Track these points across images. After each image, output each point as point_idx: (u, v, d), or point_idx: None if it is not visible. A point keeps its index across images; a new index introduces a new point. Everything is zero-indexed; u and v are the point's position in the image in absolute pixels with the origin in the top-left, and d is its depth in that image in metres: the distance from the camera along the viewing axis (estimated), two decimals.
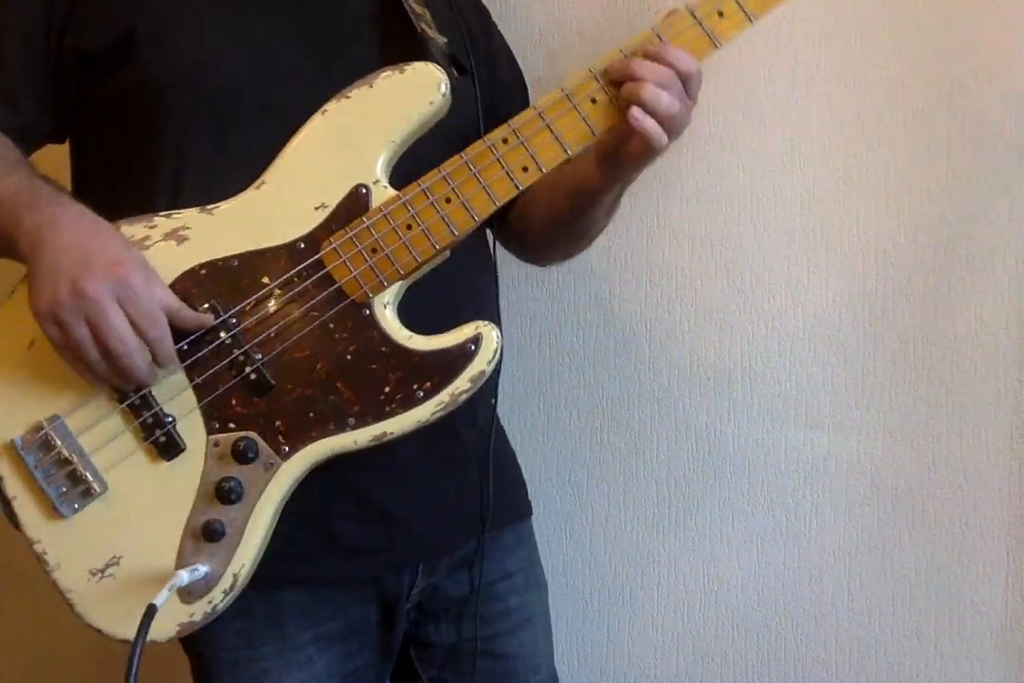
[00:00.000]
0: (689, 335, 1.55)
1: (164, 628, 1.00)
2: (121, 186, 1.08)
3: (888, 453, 1.50)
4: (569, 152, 1.02)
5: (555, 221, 1.22)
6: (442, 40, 1.11)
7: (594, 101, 1.02)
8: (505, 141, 1.02)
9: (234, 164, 1.04)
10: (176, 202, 1.05)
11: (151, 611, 0.93)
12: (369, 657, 1.17)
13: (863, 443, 1.51)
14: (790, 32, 1.50)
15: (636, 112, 1.00)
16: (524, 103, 1.27)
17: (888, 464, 1.50)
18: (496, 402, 1.22)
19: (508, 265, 1.36)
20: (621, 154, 1.06)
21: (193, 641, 1.10)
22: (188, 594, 1.00)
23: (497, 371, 1.07)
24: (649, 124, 1.00)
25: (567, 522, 1.60)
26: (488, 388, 1.08)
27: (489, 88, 1.19)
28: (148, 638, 0.94)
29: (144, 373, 0.98)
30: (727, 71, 1.49)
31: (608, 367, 1.57)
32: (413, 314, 1.04)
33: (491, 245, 1.22)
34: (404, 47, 1.08)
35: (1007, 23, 1.43)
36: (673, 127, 1.02)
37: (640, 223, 1.53)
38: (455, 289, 1.11)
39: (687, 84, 1.02)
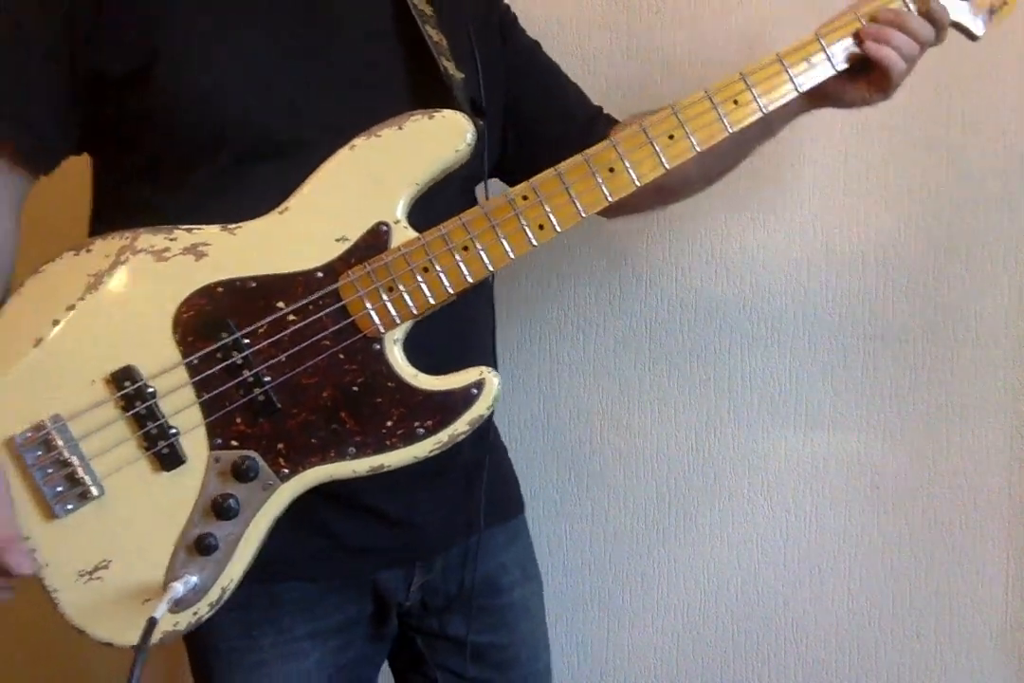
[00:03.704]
0: (689, 334, 1.55)
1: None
2: (134, 202, 1.09)
3: (888, 453, 1.50)
4: (583, 214, 1.05)
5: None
6: (459, 76, 1.13)
7: (612, 170, 1.05)
8: (525, 198, 1.05)
9: (239, 195, 1.05)
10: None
11: (152, 624, 0.94)
12: (360, 651, 1.20)
13: (863, 443, 1.51)
14: (790, 32, 1.50)
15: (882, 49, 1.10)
16: (571, 129, 1.27)
17: (888, 464, 1.50)
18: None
19: (508, 266, 1.35)
20: (844, 91, 1.14)
21: (191, 630, 1.11)
22: (176, 604, 1.00)
23: None
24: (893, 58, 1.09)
25: (567, 522, 1.60)
26: None
27: (510, 124, 1.22)
28: (132, 643, 0.98)
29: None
30: (727, 72, 1.49)
31: (608, 367, 1.57)
32: (413, 344, 1.06)
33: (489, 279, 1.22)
34: (424, 84, 1.11)
35: (1008, 23, 1.43)
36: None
37: (640, 223, 1.53)
38: (455, 322, 1.12)
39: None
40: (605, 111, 1.31)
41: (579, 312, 1.57)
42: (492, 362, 1.19)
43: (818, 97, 1.15)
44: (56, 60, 1.04)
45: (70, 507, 1.01)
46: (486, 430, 1.23)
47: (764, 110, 1.08)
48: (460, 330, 1.14)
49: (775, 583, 1.55)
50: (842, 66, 1.10)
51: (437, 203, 1.07)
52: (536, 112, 1.27)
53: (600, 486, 1.59)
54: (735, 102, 1.07)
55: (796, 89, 1.08)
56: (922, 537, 1.50)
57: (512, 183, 1.23)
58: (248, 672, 1.13)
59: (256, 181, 1.05)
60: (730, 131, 1.07)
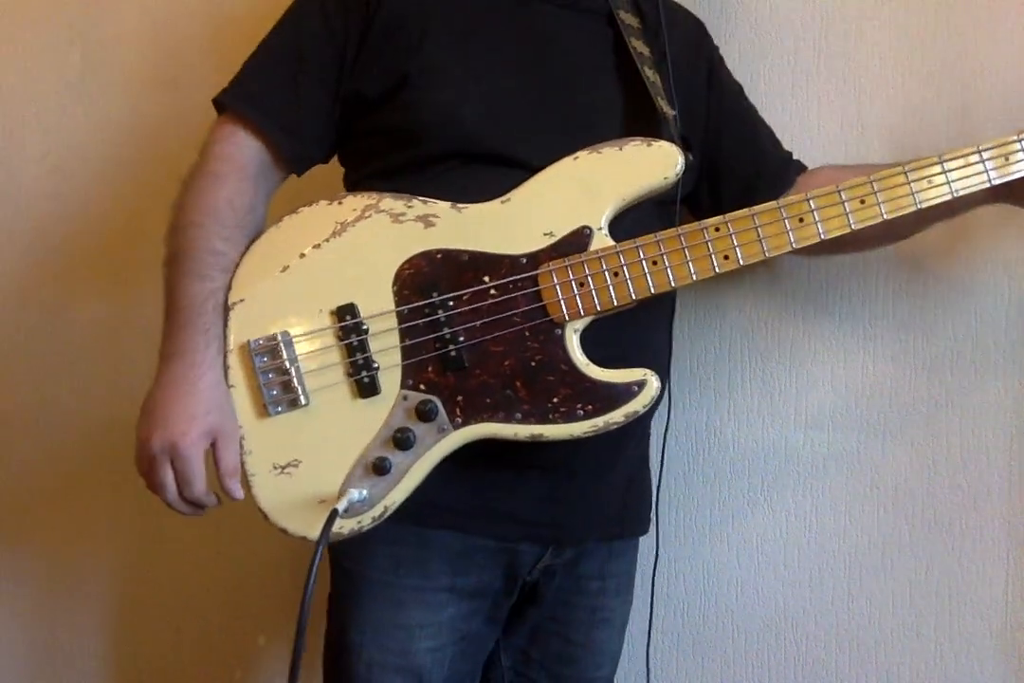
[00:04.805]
0: (689, 335, 1.55)
1: (317, 531, 1.13)
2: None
3: (888, 453, 1.50)
4: (767, 255, 1.17)
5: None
6: (671, 113, 1.25)
7: (801, 220, 1.17)
8: (717, 229, 1.17)
9: (462, 190, 1.19)
10: None
11: (334, 514, 1.12)
12: (482, 625, 1.29)
13: (863, 443, 1.51)
14: (790, 32, 1.51)
15: None
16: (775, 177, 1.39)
17: (888, 464, 1.50)
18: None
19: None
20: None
21: (346, 557, 1.26)
22: (346, 511, 1.15)
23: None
24: None
25: None
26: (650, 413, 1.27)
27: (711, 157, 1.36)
28: (301, 534, 1.17)
29: (182, 511, 1.21)
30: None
31: None
32: (595, 343, 1.18)
33: (673, 310, 1.35)
34: (640, 118, 1.25)
35: (1007, 23, 1.43)
36: None
37: None
38: (638, 334, 1.24)
39: None
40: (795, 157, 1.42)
41: None
42: (665, 374, 1.28)
43: (1004, 193, 1.25)
44: (328, 84, 1.24)
45: (279, 409, 1.19)
46: (647, 445, 1.40)
47: (954, 194, 1.18)
48: (640, 344, 1.25)
49: (775, 583, 1.55)
50: None
51: (626, 219, 1.19)
52: (733, 152, 1.39)
53: None
54: (929, 181, 1.17)
55: (989, 181, 1.19)
56: (922, 537, 1.50)
57: (696, 212, 1.37)
58: (389, 607, 1.24)
59: (477, 181, 1.20)
60: (917, 206, 1.17)
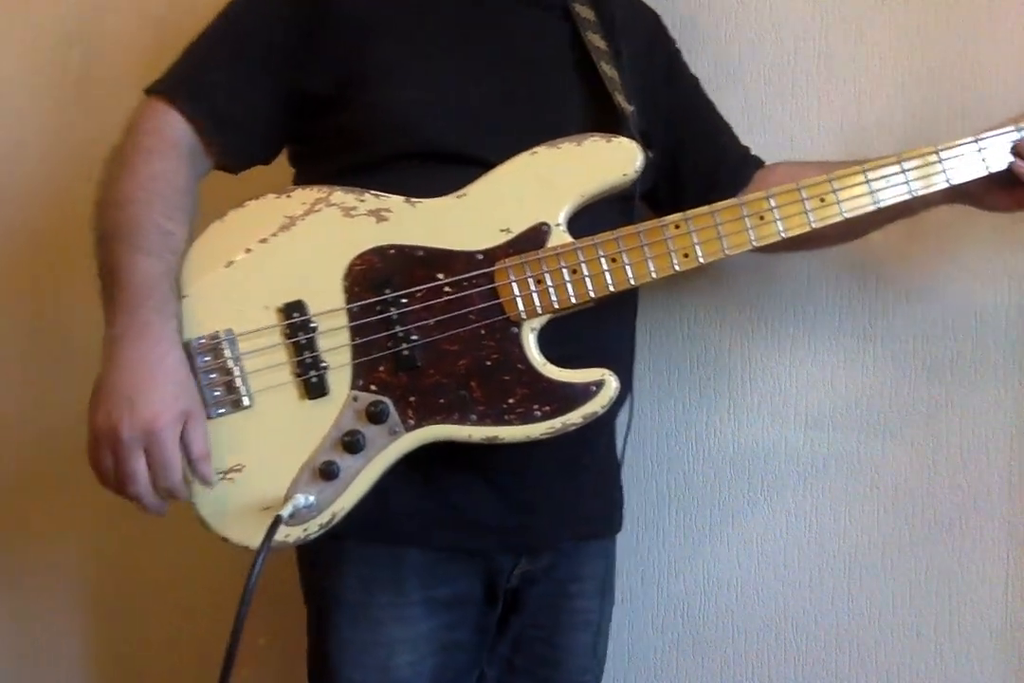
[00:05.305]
0: (689, 335, 1.55)
1: (260, 539, 1.08)
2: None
3: (888, 453, 1.50)
4: (727, 253, 1.16)
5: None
6: (630, 109, 1.23)
7: (762, 218, 1.16)
8: (677, 227, 1.15)
9: (417, 189, 1.16)
10: None
11: (277, 521, 1.06)
12: (468, 635, 1.26)
13: (863, 443, 1.51)
14: (790, 32, 1.51)
15: None
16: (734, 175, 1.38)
17: (888, 464, 1.50)
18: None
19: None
20: (986, 194, 1.24)
21: (316, 580, 1.24)
22: (291, 518, 1.10)
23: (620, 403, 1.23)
24: None
25: None
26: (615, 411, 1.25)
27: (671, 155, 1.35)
28: (244, 543, 1.11)
29: (152, 505, 1.12)
30: (727, 71, 1.49)
31: None
32: (553, 342, 1.15)
33: (635, 310, 1.34)
34: (598, 114, 1.23)
35: (1007, 23, 1.43)
36: None
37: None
38: (597, 334, 1.22)
39: None
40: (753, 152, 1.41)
41: None
42: (627, 373, 1.26)
43: (961, 194, 1.24)
44: (271, 79, 1.20)
45: (222, 411, 1.13)
46: (614, 443, 1.37)
47: (912, 193, 1.18)
48: (600, 343, 1.22)
49: (775, 583, 1.55)
50: (993, 170, 1.19)
51: (585, 215, 1.17)
52: (694, 146, 1.38)
53: None
54: (887, 181, 1.17)
55: (947, 181, 1.18)
56: (922, 537, 1.50)
57: (656, 208, 1.35)
58: (367, 626, 1.21)
59: (434, 180, 1.16)
60: (877, 205, 1.17)
